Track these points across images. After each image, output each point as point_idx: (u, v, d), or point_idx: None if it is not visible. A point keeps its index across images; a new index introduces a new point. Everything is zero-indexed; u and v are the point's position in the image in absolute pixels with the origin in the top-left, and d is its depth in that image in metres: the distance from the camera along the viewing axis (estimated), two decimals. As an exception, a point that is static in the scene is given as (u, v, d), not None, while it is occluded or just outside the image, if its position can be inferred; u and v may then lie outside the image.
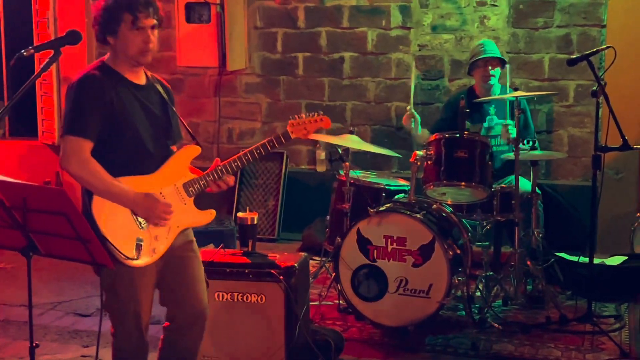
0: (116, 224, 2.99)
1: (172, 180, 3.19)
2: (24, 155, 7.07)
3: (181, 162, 3.26)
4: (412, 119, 5.03)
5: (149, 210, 3.03)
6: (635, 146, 2.95)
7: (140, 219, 3.03)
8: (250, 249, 4.02)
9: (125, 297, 3.06)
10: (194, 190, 3.24)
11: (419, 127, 5.08)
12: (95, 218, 2.94)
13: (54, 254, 2.83)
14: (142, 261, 3.02)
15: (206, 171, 3.28)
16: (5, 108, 3.01)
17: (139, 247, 3.01)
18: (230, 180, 3.31)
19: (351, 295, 4.39)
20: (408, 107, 5.04)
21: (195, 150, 3.31)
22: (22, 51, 2.85)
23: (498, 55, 5.10)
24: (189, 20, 6.24)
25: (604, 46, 4.79)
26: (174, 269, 3.22)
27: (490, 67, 5.05)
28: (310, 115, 3.37)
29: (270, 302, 3.84)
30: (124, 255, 2.95)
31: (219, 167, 3.29)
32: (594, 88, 4.23)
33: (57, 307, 4.89)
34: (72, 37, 2.98)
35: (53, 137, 6.77)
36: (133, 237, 3.01)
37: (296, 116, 3.36)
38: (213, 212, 3.30)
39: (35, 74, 2.96)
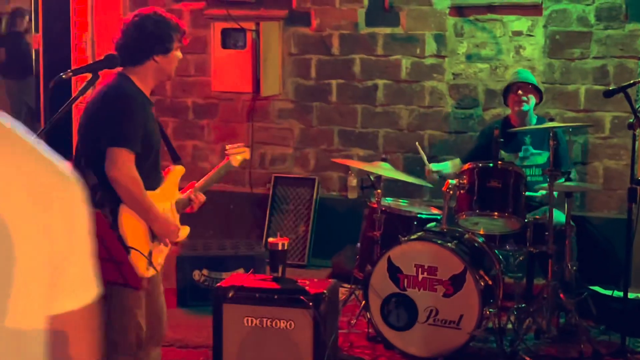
0: (137, 237, 3.12)
1: (169, 198, 3.36)
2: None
3: (174, 181, 3.42)
4: (433, 174, 5.04)
5: (166, 228, 3.19)
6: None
7: (153, 234, 3.18)
8: (280, 274, 4.02)
9: (131, 311, 3.15)
10: (179, 209, 3.41)
11: (441, 167, 5.12)
12: (124, 230, 3.07)
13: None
14: (150, 273, 3.17)
15: (187, 192, 3.47)
16: (42, 131, 3.07)
17: (149, 260, 3.17)
18: (202, 197, 3.48)
19: (380, 324, 4.37)
20: (428, 167, 5.04)
21: (182, 170, 3.47)
22: (62, 74, 2.90)
23: (531, 81, 5.09)
24: (224, 45, 6.30)
25: (641, 78, 4.76)
26: (153, 285, 3.33)
27: (521, 92, 5.03)
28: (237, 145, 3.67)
29: (299, 329, 3.83)
30: (149, 264, 3.08)
31: (196, 189, 3.49)
32: (631, 120, 4.20)
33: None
34: (110, 61, 3.04)
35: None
36: (147, 250, 3.16)
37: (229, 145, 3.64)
38: (187, 228, 3.45)
39: (73, 96, 3.01)
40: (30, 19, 7.65)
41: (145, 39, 3.16)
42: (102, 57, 3.05)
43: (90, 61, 6.36)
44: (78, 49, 6.84)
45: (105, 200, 3.06)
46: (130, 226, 3.09)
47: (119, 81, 3.19)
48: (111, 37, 3.36)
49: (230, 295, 3.93)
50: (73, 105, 3.63)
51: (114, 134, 3.09)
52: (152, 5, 6.62)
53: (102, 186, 3.08)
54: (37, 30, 7.37)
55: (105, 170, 3.05)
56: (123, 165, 3.04)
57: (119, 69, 3.21)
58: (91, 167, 3.10)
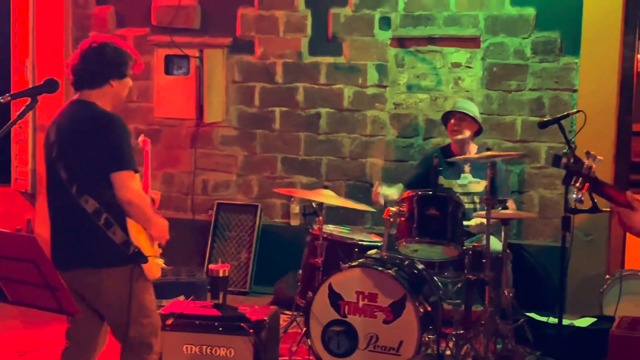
0: (146, 245, 3.30)
1: None
2: (-4, 201, 7.02)
3: None
4: (380, 196, 5.04)
5: (163, 229, 3.40)
6: (604, 209, 3.00)
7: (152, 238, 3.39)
8: (221, 301, 4.00)
9: (153, 308, 3.41)
10: None
11: (389, 192, 5.11)
12: (139, 242, 3.25)
13: (23, 301, 2.79)
14: (160, 274, 3.39)
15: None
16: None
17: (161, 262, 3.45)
18: (157, 193, 3.68)
19: (321, 351, 4.35)
20: (377, 189, 5.02)
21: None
22: (0, 98, 2.85)
23: (467, 111, 5.16)
24: (167, 72, 6.28)
25: (575, 110, 4.88)
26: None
27: (453, 121, 5.12)
28: None
29: (239, 356, 3.80)
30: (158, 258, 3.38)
31: None
32: (565, 151, 4.29)
33: (24, 356, 4.80)
34: (50, 86, 2.99)
35: (26, 184, 6.72)
36: (155, 253, 3.41)
37: None
38: None
39: (11, 121, 2.96)
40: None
41: (105, 64, 3.31)
42: (42, 82, 3.01)
43: (30, 85, 6.27)
44: (18, 72, 6.73)
45: (112, 220, 3.20)
46: (141, 237, 3.27)
47: (92, 105, 3.28)
48: (53, 62, 3.40)
49: (169, 322, 3.88)
50: (11, 129, 3.58)
51: (117, 159, 3.21)
52: (94, 32, 6.62)
53: (105, 209, 3.20)
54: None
55: (117, 194, 3.19)
56: (133, 187, 3.21)
57: (77, 95, 3.35)
58: (89, 193, 3.20)
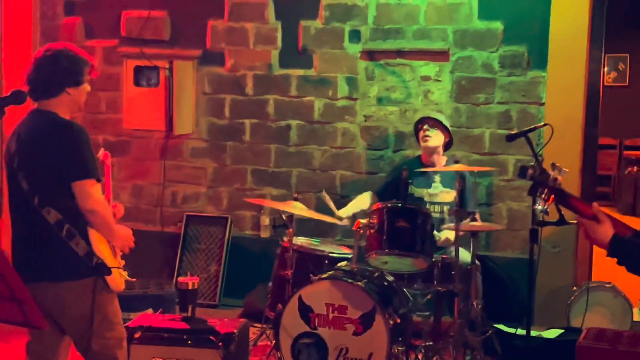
0: (109, 256, 3.27)
1: None
2: (-39, 213, 6.91)
3: None
4: (343, 220, 5.07)
5: (126, 238, 3.37)
6: (571, 221, 3.02)
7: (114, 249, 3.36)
8: (189, 314, 3.97)
9: (118, 320, 3.38)
10: None
11: (351, 210, 5.15)
12: (102, 253, 3.22)
13: (-14, 315, 2.75)
14: (123, 286, 3.36)
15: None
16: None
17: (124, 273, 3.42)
18: (120, 206, 3.63)
19: (291, 364, 4.34)
20: (337, 216, 5.06)
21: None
22: (-35, 109, 2.82)
23: (436, 117, 5.21)
24: (137, 83, 6.25)
25: (542, 123, 4.93)
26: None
27: (426, 127, 5.16)
28: None
29: (208, 369, 3.77)
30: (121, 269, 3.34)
31: None
32: (532, 163, 4.33)
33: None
34: (17, 97, 2.96)
35: (-7, 196, 6.64)
36: (118, 264, 3.37)
37: None
38: None
39: (-21, 131, 2.93)
40: None
41: (59, 72, 3.26)
42: (9, 94, 2.98)
43: (-2, 96, 6.19)
44: (-15, 83, 6.66)
45: (74, 231, 3.17)
46: (103, 248, 3.23)
47: (52, 114, 3.25)
48: (21, 73, 3.36)
49: (137, 335, 3.85)
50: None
51: (78, 168, 3.16)
52: (63, 41, 6.55)
53: (67, 219, 3.17)
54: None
55: (79, 204, 3.15)
56: (96, 195, 3.17)
57: (35, 104, 3.30)
58: (50, 204, 3.16)
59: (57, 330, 3.32)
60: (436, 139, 5.17)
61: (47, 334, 3.26)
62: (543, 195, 2.70)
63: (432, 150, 5.19)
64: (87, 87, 3.36)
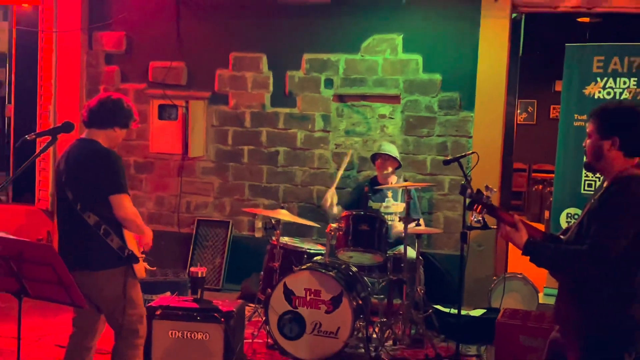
0: (135, 249, 3.23)
1: None
2: (22, 217, 6.83)
3: None
4: (330, 199, 5.07)
5: (149, 235, 3.32)
6: (492, 226, 3.06)
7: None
8: (199, 296, 3.94)
9: (140, 301, 3.31)
10: None
11: (334, 206, 5.14)
12: (133, 247, 3.19)
13: (41, 296, 2.73)
14: (145, 275, 3.31)
15: None
16: (9, 180, 2.96)
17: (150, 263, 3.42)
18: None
19: (277, 335, 4.32)
20: (332, 191, 5.06)
21: None
22: (26, 136, 2.81)
23: (390, 153, 5.22)
24: (160, 117, 6.23)
25: (470, 151, 4.96)
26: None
27: (380, 161, 5.17)
28: None
29: (213, 339, 3.75)
30: (146, 260, 3.30)
31: None
32: (463, 182, 4.35)
33: (40, 339, 4.65)
34: (67, 127, 2.96)
35: (47, 204, 6.56)
36: (141, 256, 3.30)
37: None
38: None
39: (35, 154, 2.92)
40: (5, 90, 7.35)
41: (117, 112, 3.29)
42: (61, 124, 2.97)
43: (51, 127, 6.14)
44: (42, 117, 6.60)
45: (110, 230, 3.15)
46: (132, 243, 3.22)
47: (95, 143, 3.25)
48: (71, 109, 3.35)
49: (158, 313, 3.82)
50: (36, 160, 3.51)
51: (114, 185, 3.15)
52: (104, 85, 6.54)
53: (103, 221, 3.15)
54: (9, 101, 7.09)
55: (115, 213, 3.15)
56: (128, 207, 3.16)
57: (85, 132, 3.31)
58: (90, 210, 3.15)
59: (95, 308, 3.28)
60: (389, 167, 5.17)
61: (87, 311, 3.22)
62: (477, 209, 2.72)
63: (386, 175, 5.21)
64: (126, 131, 3.37)
